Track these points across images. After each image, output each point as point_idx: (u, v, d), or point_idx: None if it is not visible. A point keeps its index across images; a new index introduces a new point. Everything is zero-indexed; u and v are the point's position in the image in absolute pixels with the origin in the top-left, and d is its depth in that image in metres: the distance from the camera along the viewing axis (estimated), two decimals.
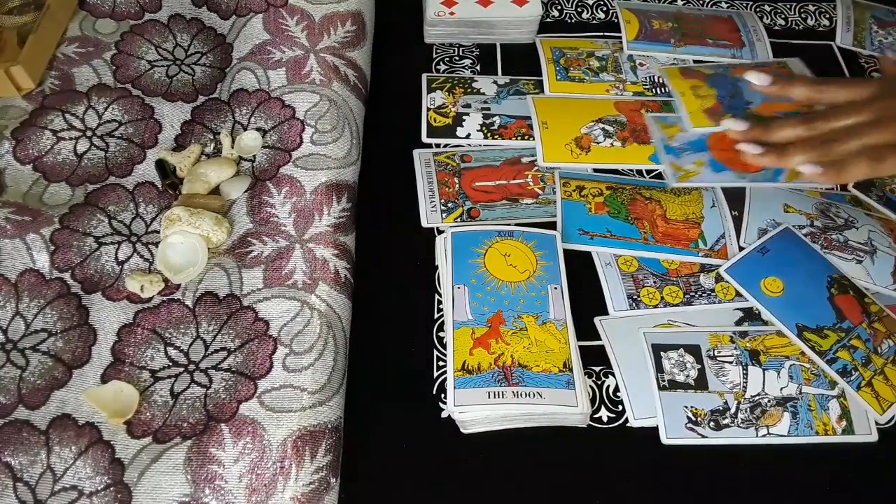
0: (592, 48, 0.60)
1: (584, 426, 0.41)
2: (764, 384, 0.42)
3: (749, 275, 0.46)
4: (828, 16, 0.64)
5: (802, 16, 0.64)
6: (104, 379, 0.39)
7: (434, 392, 0.42)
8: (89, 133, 0.48)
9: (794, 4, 0.65)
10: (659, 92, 0.57)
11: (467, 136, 0.54)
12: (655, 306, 0.46)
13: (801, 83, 0.51)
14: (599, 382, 0.43)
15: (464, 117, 0.55)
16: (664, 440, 0.41)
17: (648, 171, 0.53)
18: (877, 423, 0.42)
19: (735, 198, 0.51)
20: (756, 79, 0.52)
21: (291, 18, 0.53)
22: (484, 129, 0.54)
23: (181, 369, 0.39)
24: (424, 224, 0.49)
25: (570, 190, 0.51)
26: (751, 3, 0.65)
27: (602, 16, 0.63)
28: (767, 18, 0.64)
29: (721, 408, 0.42)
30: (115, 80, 0.51)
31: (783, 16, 0.64)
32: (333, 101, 0.50)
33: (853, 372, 0.42)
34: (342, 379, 0.40)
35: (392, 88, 0.56)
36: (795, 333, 0.44)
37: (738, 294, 0.46)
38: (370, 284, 0.46)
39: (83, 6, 0.54)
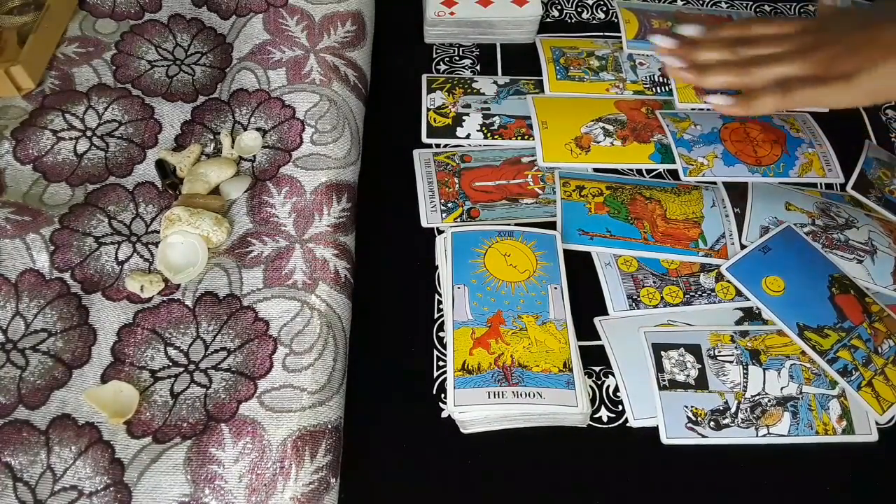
0: (592, 48, 0.60)
1: (584, 426, 0.41)
2: (764, 384, 0.42)
3: (750, 274, 0.46)
4: None
5: (802, 16, 0.64)
6: (104, 379, 0.39)
7: (434, 392, 0.42)
8: (89, 133, 0.48)
9: (794, 5, 0.65)
10: (659, 91, 0.57)
11: (467, 137, 0.54)
12: (655, 306, 0.46)
13: (731, 24, 0.51)
14: (599, 382, 0.43)
15: (464, 117, 0.55)
16: (664, 440, 0.41)
17: (649, 171, 0.53)
18: (877, 423, 0.42)
19: (737, 195, 0.51)
20: (690, 30, 0.52)
21: (291, 18, 0.53)
22: (484, 129, 0.54)
23: (181, 369, 0.39)
24: (424, 224, 0.49)
25: (570, 190, 0.51)
26: (751, 3, 0.65)
27: (602, 16, 0.63)
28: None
29: (721, 407, 0.42)
30: (115, 80, 0.51)
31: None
32: (333, 101, 0.50)
33: (853, 372, 0.42)
34: (342, 379, 0.40)
35: (392, 88, 0.56)
36: (796, 333, 0.44)
37: (739, 293, 0.46)
38: (370, 284, 0.46)
39: (83, 6, 0.54)
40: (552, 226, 0.48)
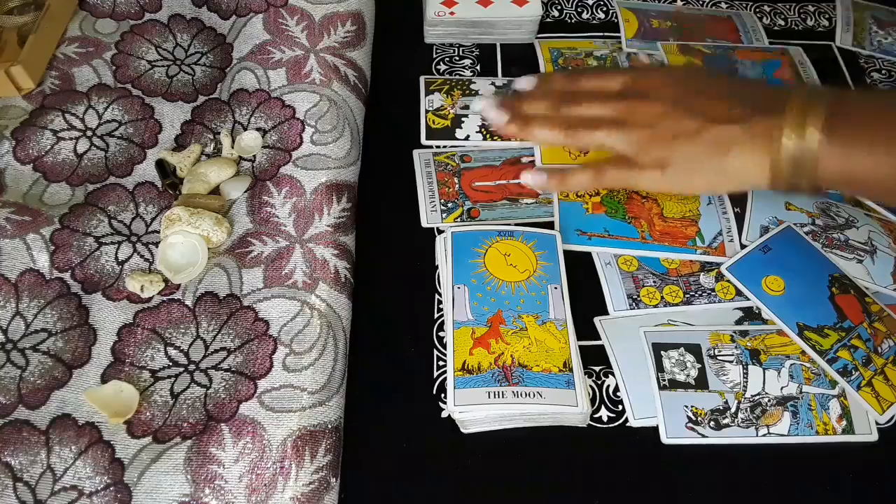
0: (591, 48, 0.60)
1: (584, 426, 0.41)
2: (764, 383, 0.42)
3: (750, 273, 0.46)
4: (827, 16, 0.64)
5: (802, 16, 0.64)
6: (104, 379, 0.39)
7: (434, 392, 0.42)
8: (89, 133, 0.48)
9: (794, 5, 0.65)
10: None
11: (466, 138, 0.54)
12: (655, 306, 0.46)
13: (559, 76, 0.50)
14: (599, 382, 0.43)
15: (462, 119, 0.55)
16: (664, 440, 0.41)
17: None
18: (877, 423, 0.42)
19: (737, 195, 0.51)
20: (522, 83, 0.49)
21: (291, 18, 0.53)
22: (483, 130, 0.54)
23: (181, 369, 0.39)
24: (424, 224, 0.49)
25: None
26: (750, 3, 0.65)
27: (602, 16, 0.63)
28: (767, 19, 0.64)
29: (721, 407, 0.42)
30: (115, 80, 0.51)
31: (783, 16, 0.64)
32: (333, 101, 0.50)
33: (853, 371, 0.42)
34: (342, 379, 0.40)
35: (392, 88, 0.56)
36: (796, 332, 0.44)
37: (738, 293, 0.46)
38: (370, 284, 0.46)
39: (83, 6, 0.54)
40: (552, 225, 0.49)
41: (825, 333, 0.44)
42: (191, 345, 0.40)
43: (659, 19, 0.62)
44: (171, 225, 0.43)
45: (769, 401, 0.42)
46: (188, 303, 0.41)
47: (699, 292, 0.46)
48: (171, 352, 0.40)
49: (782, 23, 0.64)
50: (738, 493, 0.40)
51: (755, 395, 0.42)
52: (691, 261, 0.48)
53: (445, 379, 0.41)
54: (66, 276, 0.42)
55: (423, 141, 0.54)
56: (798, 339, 0.44)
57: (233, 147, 0.48)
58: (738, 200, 0.51)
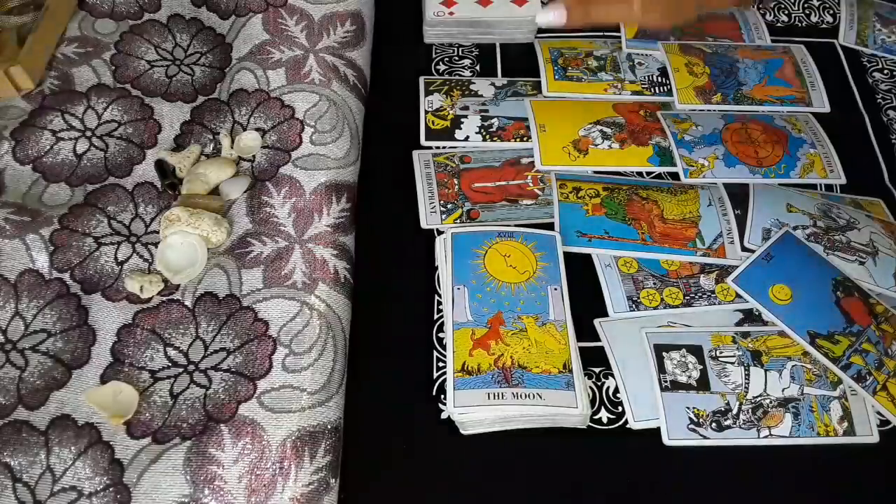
0: (591, 48, 0.60)
1: (585, 427, 0.41)
2: (766, 385, 0.42)
3: (757, 283, 0.46)
4: (831, 11, 0.64)
5: (806, 11, 0.64)
6: (104, 379, 0.39)
7: (434, 393, 0.42)
8: (89, 133, 0.48)
9: (797, 1, 0.65)
10: (658, 91, 0.57)
11: (466, 139, 0.54)
12: (655, 308, 0.45)
13: None
14: (599, 384, 0.43)
15: (462, 119, 0.54)
16: (666, 441, 0.41)
17: (648, 173, 0.53)
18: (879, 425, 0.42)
19: (738, 197, 0.51)
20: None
21: (291, 18, 0.53)
22: (483, 131, 0.54)
23: (181, 370, 0.39)
24: (424, 226, 0.49)
25: (567, 192, 0.50)
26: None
27: None
28: (770, 15, 0.64)
29: (723, 409, 0.41)
30: (115, 81, 0.51)
31: (786, 11, 0.64)
32: (333, 101, 0.50)
33: (867, 377, 0.42)
34: (342, 379, 0.40)
35: (392, 89, 0.56)
36: (808, 341, 0.43)
37: (739, 295, 0.46)
38: (370, 284, 0.46)
39: (83, 6, 0.54)
40: (552, 226, 0.48)
41: (836, 340, 0.43)
42: (190, 345, 0.40)
43: None
44: (170, 225, 0.43)
45: (770, 402, 0.42)
46: (188, 303, 0.41)
47: (699, 294, 0.46)
48: (171, 352, 0.40)
49: (786, 18, 0.63)
50: (739, 495, 0.40)
51: (757, 397, 0.42)
52: (691, 263, 0.48)
53: (445, 380, 0.41)
54: (66, 276, 0.42)
55: (423, 142, 0.54)
56: (811, 349, 0.43)
57: (232, 147, 0.48)
58: (740, 202, 0.50)
